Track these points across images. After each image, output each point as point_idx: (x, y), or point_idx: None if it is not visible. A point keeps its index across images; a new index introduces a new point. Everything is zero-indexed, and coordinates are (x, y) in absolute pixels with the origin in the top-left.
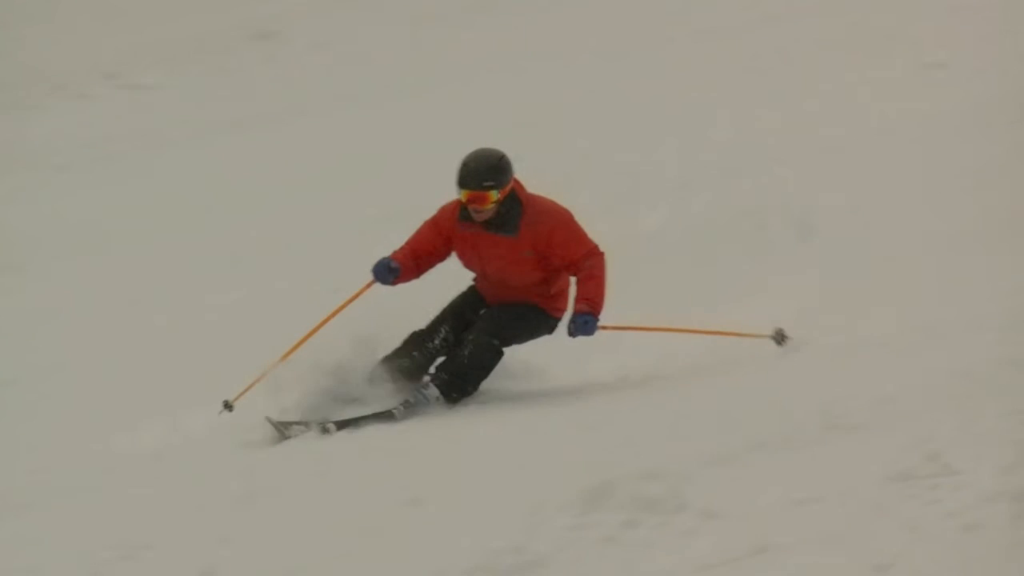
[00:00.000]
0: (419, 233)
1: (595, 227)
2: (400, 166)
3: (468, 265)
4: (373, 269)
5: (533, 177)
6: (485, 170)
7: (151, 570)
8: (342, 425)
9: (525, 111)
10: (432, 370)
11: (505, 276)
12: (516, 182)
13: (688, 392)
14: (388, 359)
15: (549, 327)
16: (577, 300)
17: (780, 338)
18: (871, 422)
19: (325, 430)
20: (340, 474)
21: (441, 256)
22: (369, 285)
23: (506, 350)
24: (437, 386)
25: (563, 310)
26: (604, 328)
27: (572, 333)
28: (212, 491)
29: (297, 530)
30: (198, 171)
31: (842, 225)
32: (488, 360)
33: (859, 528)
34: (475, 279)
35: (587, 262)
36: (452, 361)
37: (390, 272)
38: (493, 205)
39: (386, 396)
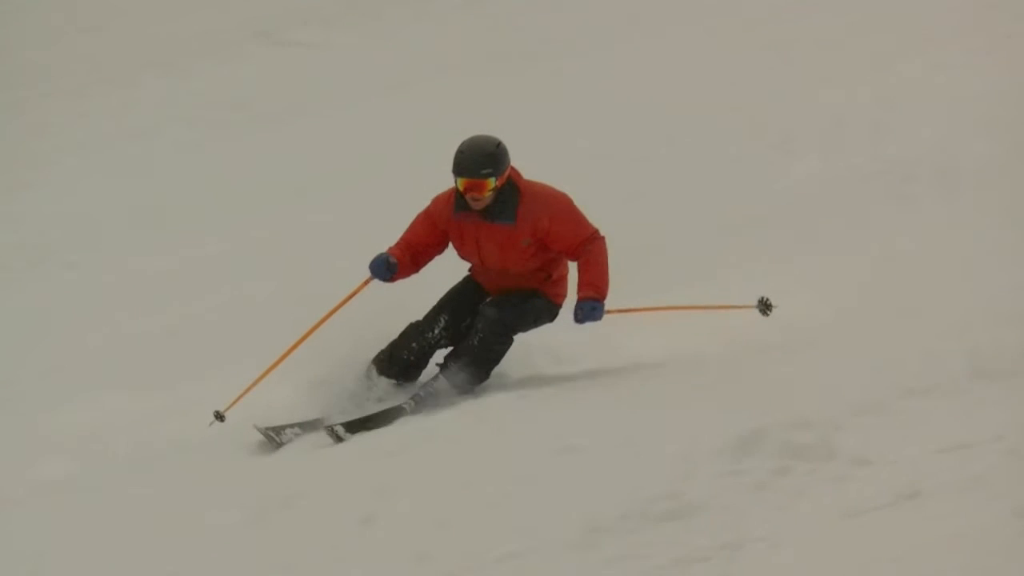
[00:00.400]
0: (413, 226)
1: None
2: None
3: (465, 255)
4: (370, 266)
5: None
6: (482, 157)
7: (312, 517)
8: (352, 427)
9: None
10: (440, 361)
11: (504, 265)
12: (512, 169)
13: (835, 342)
14: (387, 352)
15: (551, 314)
16: (582, 286)
17: (764, 307)
18: (1019, 369)
19: (336, 436)
20: (492, 423)
21: (438, 249)
22: (367, 282)
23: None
24: (447, 377)
25: (564, 296)
26: (610, 312)
27: (580, 319)
28: (366, 444)
29: (450, 478)
30: (349, 132)
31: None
32: (499, 348)
33: (1007, 474)
34: (471, 269)
35: (588, 247)
36: (462, 350)
37: (388, 268)
38: (490, 193)
39: (389, 392)
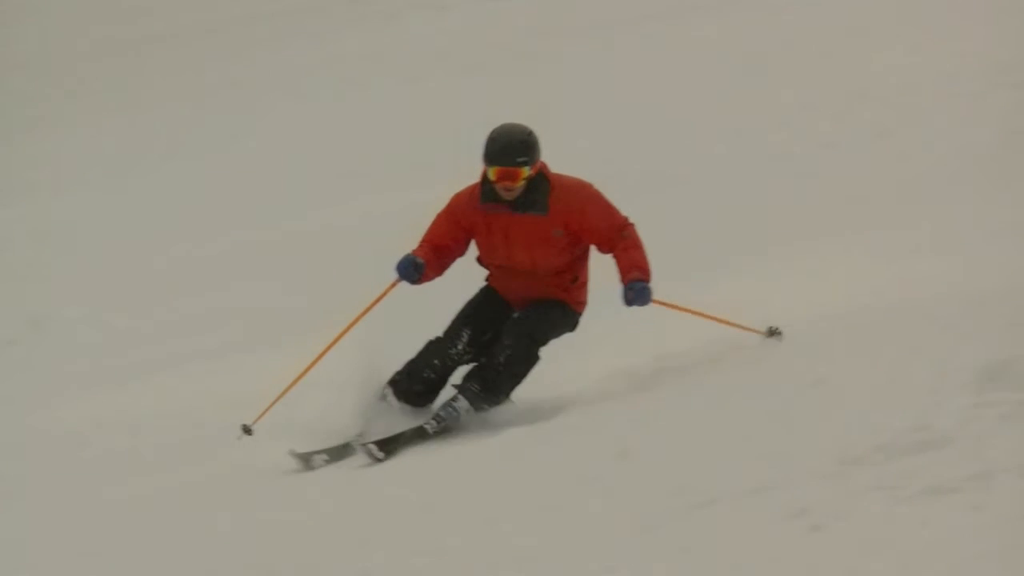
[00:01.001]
0: (435, 227)
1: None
2: None
3: (490, 253)
4: (397, 267)
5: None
6: (518, 144)
7: (570, 451)
8: (384, 446)
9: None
10: (460, 380)
11: (532, 259)
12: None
13: None
14: (405, 372)
15: (573, 324)
16: (627, 269)
17: (772, 335)
18: None
19: (373, 456)
20: (749, 356)
21: (460, 250)
22: (394, 285)
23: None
24: (468, 398)
25: (584, 304)
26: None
27: (630, 301)
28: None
29: (702, 413)
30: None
31: None
32: (526, 366)
33: None
34: (489, 277)
35: (624, 232)
36: (485, 369)
37: (415, 269)
38: (522, 183)
39: (404, 417)
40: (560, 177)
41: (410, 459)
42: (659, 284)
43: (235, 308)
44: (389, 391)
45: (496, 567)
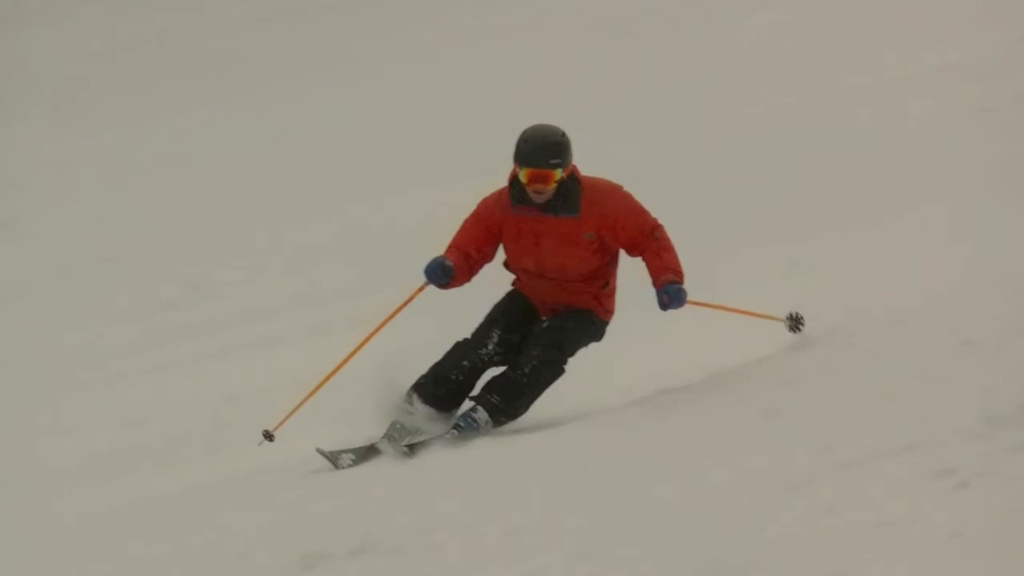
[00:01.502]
0: (462, 233)
1: None
2: None
3: (519, 258)
4: (425, 270)
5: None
6: (551, 146)
7: (715, 411)
8: (412, 450)
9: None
10: (478, 391)
11: (562, 263)
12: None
13: None
14: (431, 375)
15: (600, 333)
16: (660, 271)
17: (795, 324)
18: None
19: (405, 453)
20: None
21: (488, 256)
22: (421, 289)
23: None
24: (487, 410)
25: (612, 313)
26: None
27: (665, 305)
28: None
29: (852, 369)
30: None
31: None
32: (550, 378)
33: None
34: (516, 281)
35: (656, 234)
36: (507, 379)
37: (444, 272)
38: (554, 185)
39: (427, 421)
40: (591, 179)
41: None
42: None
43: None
44: (414, 394)
45: (647, 524)
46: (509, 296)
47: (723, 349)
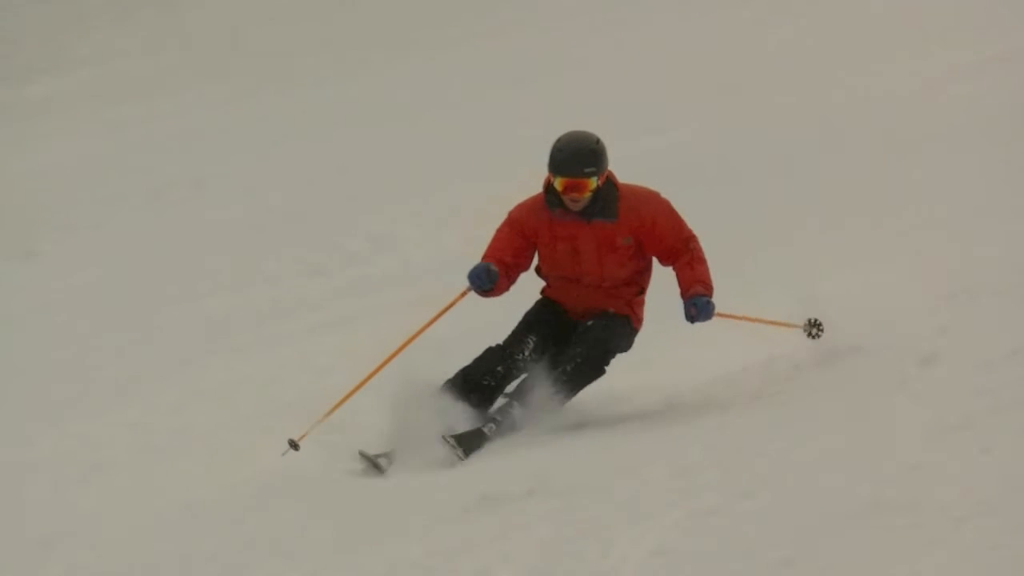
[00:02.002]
0: (497, 241)
1: None
2: None
3: (555, 264)
4: (470, 275)
5: None
6: (587, 154)
7: (873, 363)
8: (462, 442)
9: None
10: (510, 390)
11: (600, 269)
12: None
13: None
14: (460, 379)
15: (631, 342)
16: (690, 283)
17: (813, 330)
18: None
19: (454, 453)
20: None
21: (526, 264)
22: (464, 294)
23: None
24: (524, 406)
25: (642, 321)
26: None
27: (693, 318)
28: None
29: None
30: None
31: None
32: (592, 376)
33: None
34: (546, 288)
35: (691, 245)
36: (547, 376)
37: (489, 277)
38: (590, 193)
39: (462, 418)
40: (629, 186)
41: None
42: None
43: None
44: (447, 393)
45: (805, 467)
46: (540, 303)
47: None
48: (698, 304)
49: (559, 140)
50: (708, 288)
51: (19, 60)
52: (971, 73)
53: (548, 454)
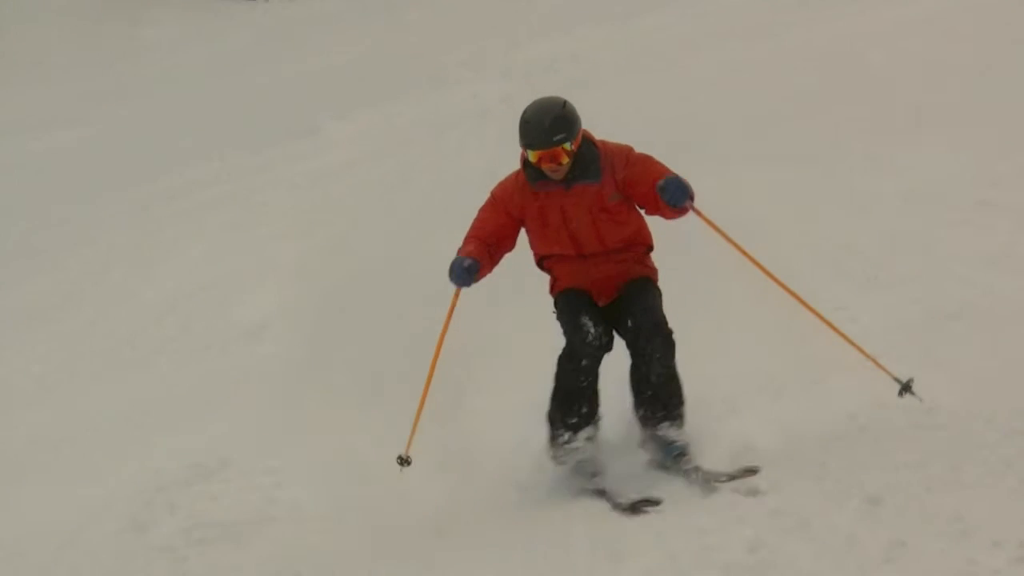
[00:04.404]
0: (480, 221)
1: None
2: None
3: (551, 240)
4: (451, 278)
5: None
6: (554, 122)
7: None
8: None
9: None
10: (641, 420)
11: (596, 232)
12: (584, 130)
13: None
14: (560, 397)
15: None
16: (658, 178)
17: (906, 390)
18: None
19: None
20: None
21: (511, 241)
22: (457, 295)
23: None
24: (674, 424)
25: (658, 272)
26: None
27: (671, 198)
28: None
29: None
30: None
31: None
32: (672, 356)
33: None
34: (557, 282)
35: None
36: (654, 394)
37: (468, 273)
38: (568, 160)
39: (595, 436)
40: (606, 143)
41: None
42: None
43: None
44: (567, 433)
45: None
46: (564, 297)
47: None
48: (669, 183)
49: (525, 111)
50: (675, 175)
51: None
52: None
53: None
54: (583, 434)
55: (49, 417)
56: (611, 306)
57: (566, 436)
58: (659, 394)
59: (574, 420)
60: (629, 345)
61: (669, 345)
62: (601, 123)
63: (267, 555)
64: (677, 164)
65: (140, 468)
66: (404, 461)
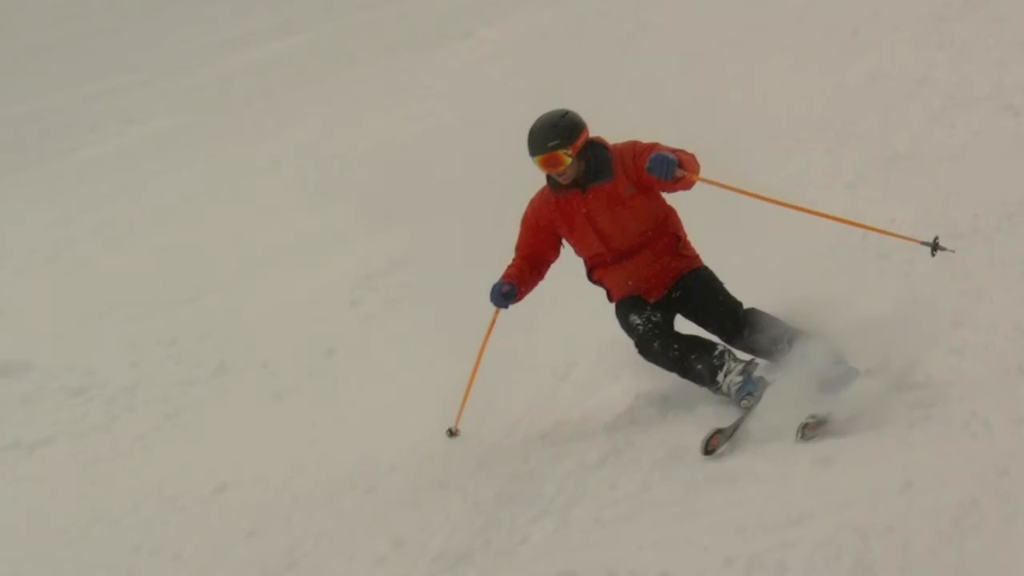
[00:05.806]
0: (521, 238)
1: None
2: None
3: (587, 243)
4: (491, 300)
5: None
6: (548, 130)
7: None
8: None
9: None
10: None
11: (621, 228)
12: (597, 137)
13: None
14: (674, 364)
15: None
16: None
17: (936, 247)
18: None
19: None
20: None
21: (553, 251)
22: (497, 314)
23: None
24: (750, 356)
25: (699, 258)
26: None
27: (658, 175)
28: None
29: None
30: None
31: None
32: (766, 316)
33: None
34: (612, 292)
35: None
36: (775, 339)
37: (504, 297)
38: (571, 162)
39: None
40: (618, 144)
41: None
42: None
43: None
44: (717, 383)
45: None
46: (617, 308)
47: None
48: (655, 158)
49: (533, 124)
50: (672, 152)
51: None
52: None
53: None
54: (717, 359)
55: (277, 234)
56: (667, 298)
57: (721, 371)
58: (778, 336)
59: (705, 357)
60: (729, 343)
61: (754, 318)
62: None
63: None
64: None
65: (353, 262)
66: (452, 433)
